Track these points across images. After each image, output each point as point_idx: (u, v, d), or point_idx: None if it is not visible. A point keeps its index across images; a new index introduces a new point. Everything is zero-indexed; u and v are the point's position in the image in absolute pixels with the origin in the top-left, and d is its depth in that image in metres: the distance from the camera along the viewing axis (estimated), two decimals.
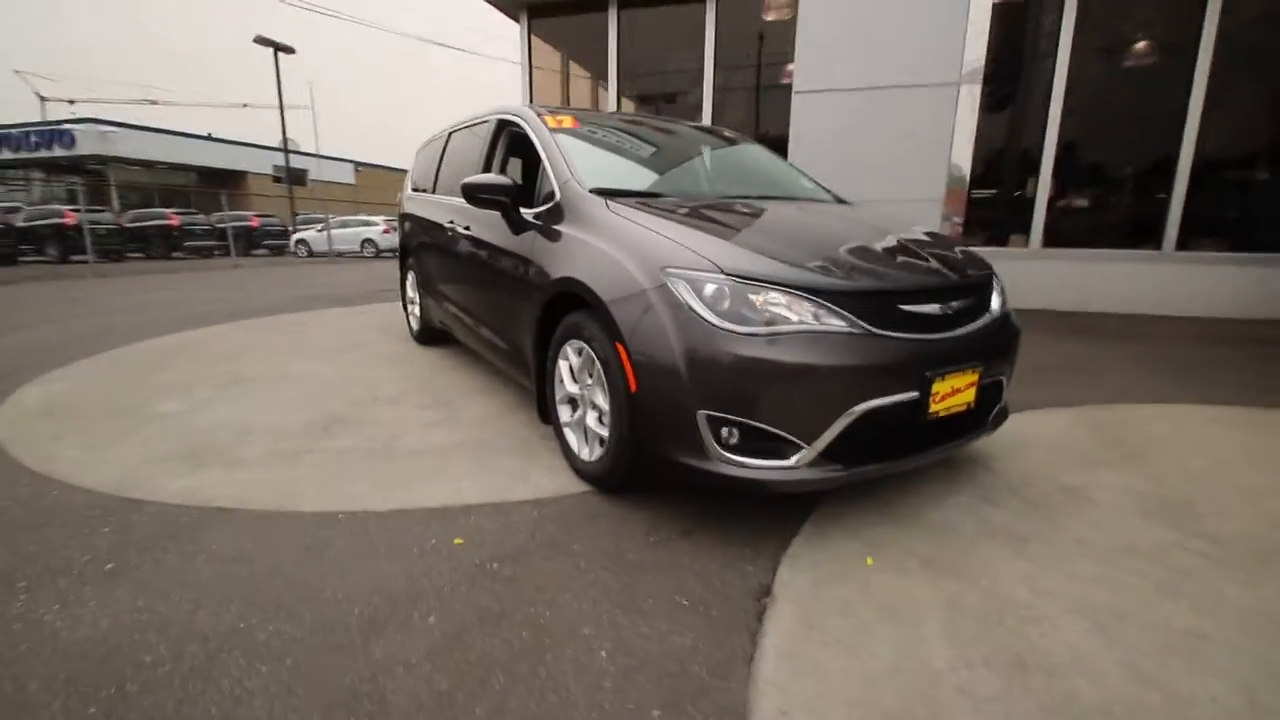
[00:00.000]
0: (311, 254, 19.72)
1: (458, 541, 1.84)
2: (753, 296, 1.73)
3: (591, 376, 2.13)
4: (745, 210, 2.38)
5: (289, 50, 20.85)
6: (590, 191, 2.32)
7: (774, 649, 1.40)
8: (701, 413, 1.73)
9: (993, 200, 6.43)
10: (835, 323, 1.72)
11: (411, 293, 4.58)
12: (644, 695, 1.26)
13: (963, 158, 5.80)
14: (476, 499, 2.12)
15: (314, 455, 2.48)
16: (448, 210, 3.48)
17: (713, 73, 7.06)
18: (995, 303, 2.16)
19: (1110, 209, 6.38)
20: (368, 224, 20.66)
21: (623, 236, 2.04)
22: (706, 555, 1.79)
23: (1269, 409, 3.12)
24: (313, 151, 31.99)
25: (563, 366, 2.30)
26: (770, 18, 7.14)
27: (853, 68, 5.83)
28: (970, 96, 5.60)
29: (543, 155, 2.59)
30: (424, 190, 4.21)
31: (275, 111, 22.21)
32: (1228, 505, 2.10)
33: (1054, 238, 6.32)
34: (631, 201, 2.27)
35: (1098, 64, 6.03)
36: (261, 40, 20.30)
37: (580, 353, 2.17)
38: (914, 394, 1.79)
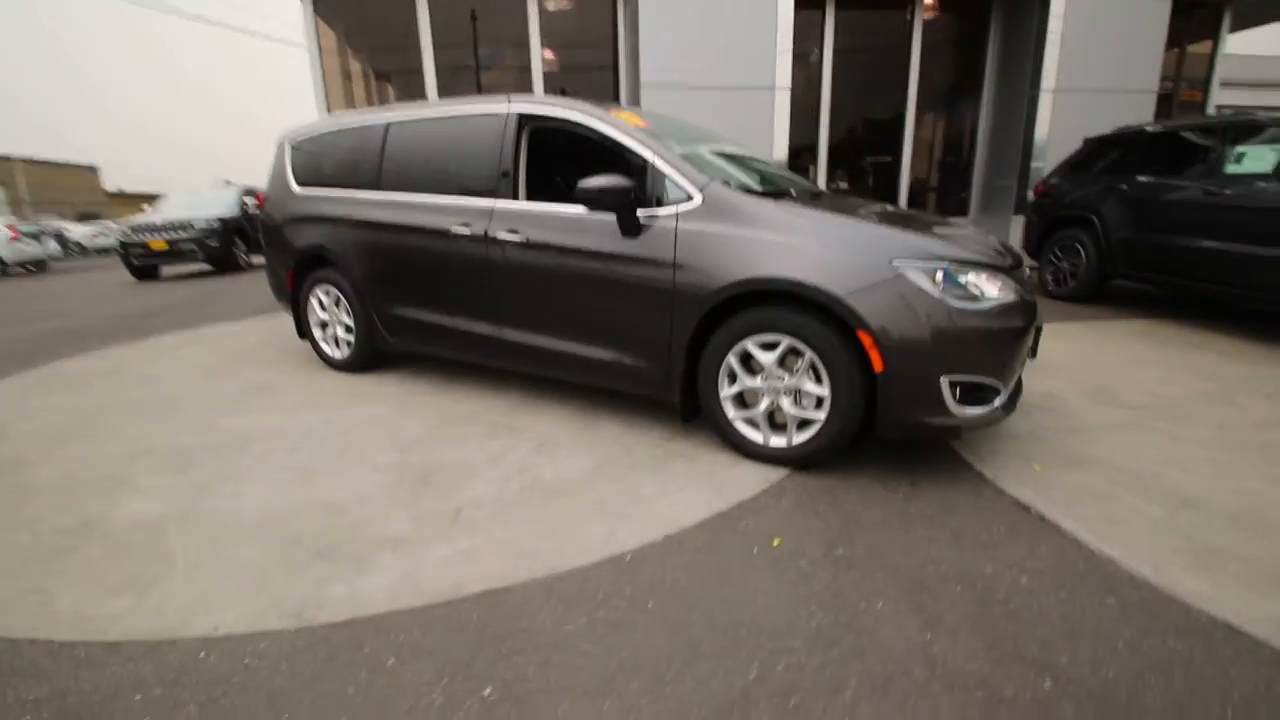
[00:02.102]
0: None
1: (776, 542, 1.89)
2: (963, 278, 2.12)
3: (790, 367, 2.28)
4: (861, 203, 2.75)
5: None
6: (741, 191, 2.41)
7: (1100, 537, 1.87)
8: (944, 378, 2.09)
9: None
10: (1011, 294, 2.22)
11: (325, 314, 3.74)
12: (1123, 616, 1.61)
13: (780, 148, 6.90)
14: (720, 505, 2.12)
15: (473, 512, 2.10)
16: (446, 213, 3.02)
17: (540, 52, 6.98)
18: None
19: (864, 186, 8.28)
20: None
21: (822, 233, 2.23)
22: (953, 497, 2.16)
23: (1065, 322, 4.69)
24: None
25: (731, 363, 2.38)
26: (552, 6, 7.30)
27: (690, 67, 6.42)
28: (783, 101, 6.68)
29: (650, 157, 2.52)
30: (344, 187, 3.48)
31: None
32: (1123, 384, 3.25)
33: None
34: (786, 200, 2.44)
35: (850, 79, 7.71)
36: None
37: (770, 346, 2.29)
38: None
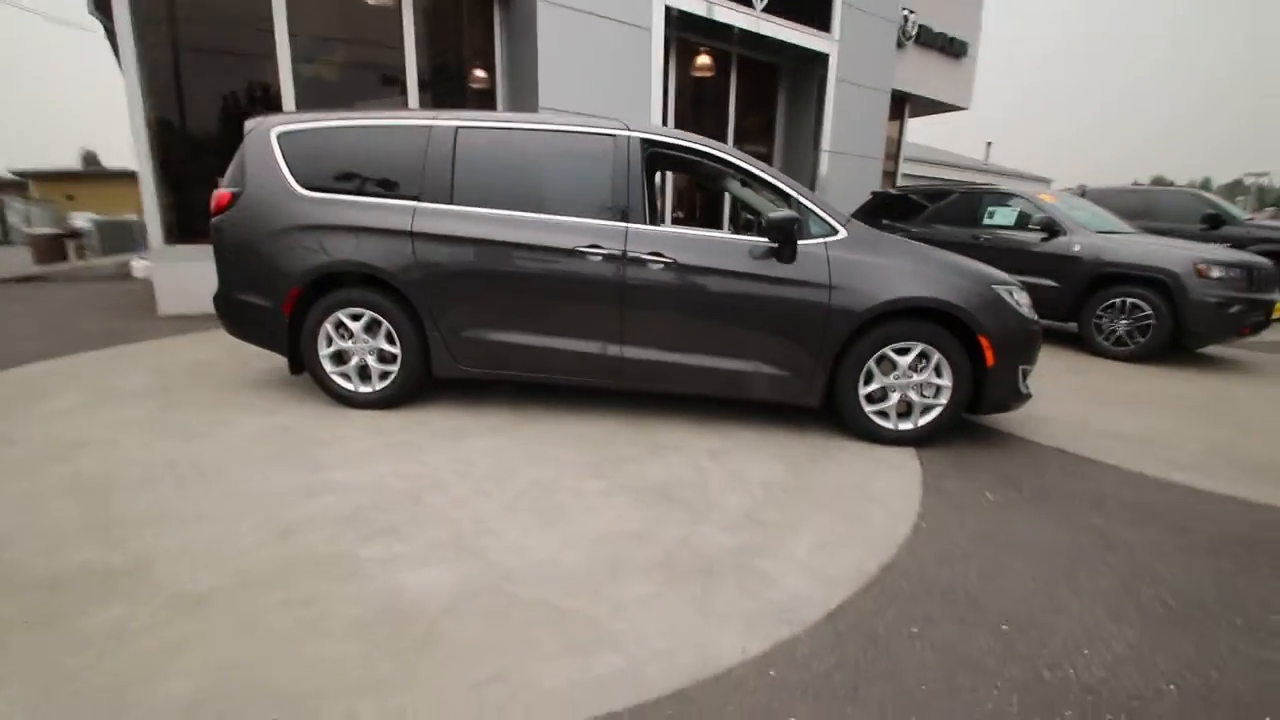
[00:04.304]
0: None
1: (990, 496, 2.54)
2: (1016, 294, 3.07)
3: (916, 367, 2.95)
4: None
5: None
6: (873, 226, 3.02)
7: (1124, 462, 2.95)
8: (1021, 366, 3.01)
9: None
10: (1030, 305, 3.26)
11: (347, 342, 3.13)
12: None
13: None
14: (914, 479, 2.68)
15: (764, 515, 2.29)
16: (569, 232, 2.94)
17: (415, 59, 6.47)
18: None
19: (687, 204, 9.49)
20: None
21: (943, 263, 2.97)
22: (1028, 451, 3.09)
23: None
24: None
25: (871, 366, 2.96)
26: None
27: (582, 97, 6.71)
28: None
29: (798, 196, 2.96)
30: (392, 195, 3.04)
31: None
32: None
33: None
34: (903, 236, 3.13)
35: (689, 127, 8.83)
36: None
37: (905, 352, 2.94)
38: None
